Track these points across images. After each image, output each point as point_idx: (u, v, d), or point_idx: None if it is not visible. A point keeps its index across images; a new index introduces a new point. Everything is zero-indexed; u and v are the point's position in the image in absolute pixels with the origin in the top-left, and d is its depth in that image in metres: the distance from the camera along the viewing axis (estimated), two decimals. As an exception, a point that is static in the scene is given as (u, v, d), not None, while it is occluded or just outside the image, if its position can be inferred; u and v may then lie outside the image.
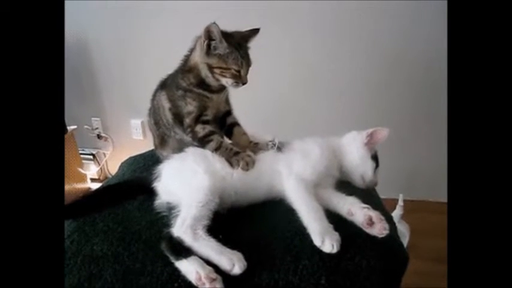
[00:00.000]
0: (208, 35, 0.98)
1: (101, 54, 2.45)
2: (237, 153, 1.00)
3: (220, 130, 1.11)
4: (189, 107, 1.05)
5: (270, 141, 1.06)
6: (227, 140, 1.10)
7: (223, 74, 1.01)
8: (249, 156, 0.99)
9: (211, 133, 1.05)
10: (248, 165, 0.98)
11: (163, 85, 1.13)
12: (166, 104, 1.09)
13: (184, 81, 1.06)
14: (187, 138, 1.08)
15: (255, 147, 1.05)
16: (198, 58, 1.03)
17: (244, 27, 1.07)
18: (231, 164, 0.99)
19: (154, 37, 2.29)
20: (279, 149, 1.03)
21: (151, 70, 1.24)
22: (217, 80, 1.03)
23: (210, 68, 1.02)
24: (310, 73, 2.18)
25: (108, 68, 2.48)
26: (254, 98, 1.84)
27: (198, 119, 1.05)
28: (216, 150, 1.02)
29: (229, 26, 1.03)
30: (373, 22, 2.00)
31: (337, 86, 2.17)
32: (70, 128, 2.41)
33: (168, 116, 1.09)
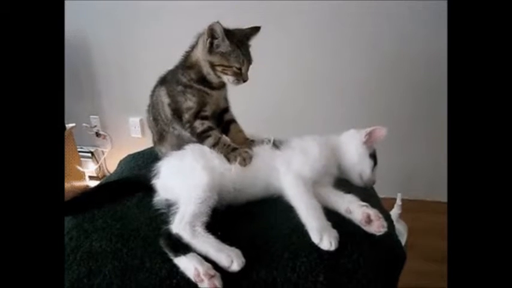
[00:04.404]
0: (211, 33, 0.99)
1: (100, 52, 2.45)
2: (234, 149, 1.01)
3: (217, 127, 1.11)
4: (189, 102, 1.06)
5: (266, 138, 1.06)
6: (225, 137, 1.10)
7: (225, 71, 1.02)
8: (246, 152, 1.00)
9: (209, 129, 1.05)
10: (245, 161, 0.98)
11: (163, 81, 1.13)
12: (165, 100, 1.09)
13: (184, 77, 1.06)
14: (186, 133, 1.08)
15: (251, 144, 1.06)
16: (200, 55, 1.04)
17: (244, 27, 1.07)
18: (228, 160, 0.99)
19: (153, 36, 2.29)
20: (275, 145, 1.04)
21: (150, 68, 1.23)
22: (219, 77, 1.04)
23: (212, 65, 1.03)
24: (309, 73, 2.18)
25: (107, 66, 2.48)
26: (254, 98, 1.84)
27: (197, 115, 1.06)
28: (214, 146, 1.02)
29: (229, 26, 1.03)
30: (373, 22, 2.01)
31: (336, 85, 2.18)
32: (68, 125, 2.41)
33: (167, 111, 1.10)
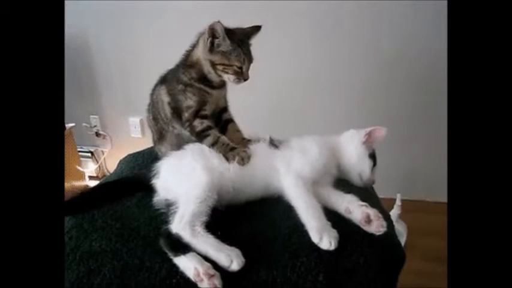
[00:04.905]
0: (212, 32, 0.99)
1: (100, 52, 2.45)
2: (233, 149, 1.01)
3: (215, 126, 1.11)
4: (189, 101, 1.06)
5: (263, 138, 1.06)
6: (224, 136, 1.10)
7: (226, 70, 1.03)
8: (244, 151, 1.00)
9: (209, 128, 1.05)
10: (244, 160, 0.98)
11: (163, 80, 1.13)
12: (165, 98, 1.10)
13: (185, 76, 1.07)
14: (186, 132, 1.08)
15: (248, 143, 1.06)
16: (200, 54, 1.04)
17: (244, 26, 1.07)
18: (227, 159, 0.99)
19: (152, 35, 2.29)
20: (275, 145, 1.03)
21: (150, 68, 1.24)
22: (220, 76, 1.05)
23: (213, 64, 1.03)
24: (310, 73, 2.18)
25: (107, 66, 2.48)
26: (254, 98, 1.84)
27: (196, 114, 1.06)
28: (213, 145, 1.02)
29: (229, 26, 1.03)
30: (373, 22, 2.01)
31: (336, 85, 2.18)
32: (68, 125, 2.40)
33: (167, 110, 1.10)
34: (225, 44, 1.00)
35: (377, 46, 2.04)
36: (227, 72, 1.03)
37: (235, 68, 1.02)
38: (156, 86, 1.15)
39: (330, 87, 2.19)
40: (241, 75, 1.04)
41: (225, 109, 1.15)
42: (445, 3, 0.73)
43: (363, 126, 1.08)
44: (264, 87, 1.95)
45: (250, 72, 1.06)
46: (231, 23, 1.04)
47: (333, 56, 2.13)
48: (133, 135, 2.62)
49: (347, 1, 1.97)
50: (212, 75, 1.05)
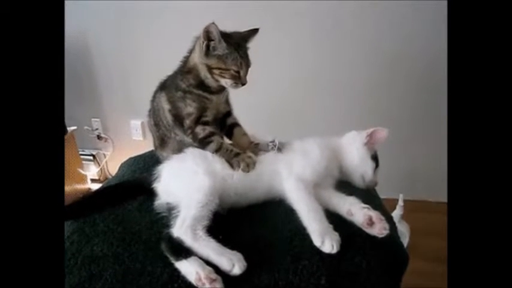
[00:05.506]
0: (207, 35, 0.98)
1: (101, 55, 2.46)
2: (237, 155, 1.00)
3: (220, 131, 1.11)
4: (189, 108, 1.05)
5: (271, 141, 1.05)
6: (227, 141, 1.10)
7: (223, 74, 1.01)
8: (249, 157, 0.99)
9: (211, 134, 1.04)
10: (249, 167, 0.98)
11: (163, 86, 1.12)
12: (166, 106, 1.09)
13: (183, 83, 1.05)
14: (188, 139, 1.07)
15: (256, 147, 1.05)
16: (197, 59, 1.03)
17: (243, 28, 1.06)
18: (231, 166, 0.99)
19: (154, 38, 2.29)
20: (279, 149, 1.03)
21: (151, 71, 1.24)
22: (217, 80, 1.03)
23: (209, 68, 1.01)
24: (310, 73, 2.18)
25: (108, 69, 2.48)
26: (254, 98, 1.84)
27: (198, 120, 1.05)
28: (217, 151, 1.02)
29: (229, 27, 1.03)
30: (373, 22, 2.01)
31: (337, 86, 2.18)
32: (70, 128, 2.41)
33: (168, 117, 1.09)
34: (221, 47, 0.98)
35: (377, 46, 2.04)
36: (224, 77, 1.01)
37: (232, 72, 1.00)
38: (156, 92, 1.14)
39: (330, 87, 2.19)
40: (239, 80, 1.02)
41: (228, 113, 1.13)
42: (445, 3, 0.73)
43: (363, 126, 1.07)
44: (264, 88, 1.94)
45: (251, 72, 1.05)
46: (231, 24, 1.03)
47: (333, 56, 2.13)
48: (135, 138, 2.62)
49: (347, 1, 1.97)
50: (209, 80, 1.04)
